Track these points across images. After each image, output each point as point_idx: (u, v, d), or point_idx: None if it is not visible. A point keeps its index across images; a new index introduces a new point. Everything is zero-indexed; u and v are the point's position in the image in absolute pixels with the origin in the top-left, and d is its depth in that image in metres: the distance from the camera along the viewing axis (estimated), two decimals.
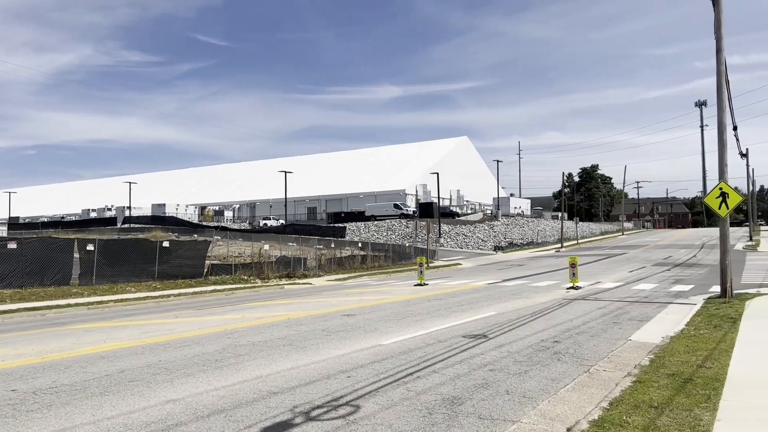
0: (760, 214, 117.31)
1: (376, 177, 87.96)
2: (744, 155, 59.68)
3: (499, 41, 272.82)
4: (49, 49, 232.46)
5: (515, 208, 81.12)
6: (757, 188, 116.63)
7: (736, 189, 16.26)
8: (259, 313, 15.43)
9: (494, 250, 59.05)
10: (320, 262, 34.64)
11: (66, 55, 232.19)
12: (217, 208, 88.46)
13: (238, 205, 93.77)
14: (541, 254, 52.59)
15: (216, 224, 71.37)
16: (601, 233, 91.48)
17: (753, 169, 76.53)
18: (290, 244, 39.82)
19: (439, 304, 16.99)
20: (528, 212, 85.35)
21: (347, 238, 56.73)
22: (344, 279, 30.59)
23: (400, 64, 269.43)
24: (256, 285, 26.36)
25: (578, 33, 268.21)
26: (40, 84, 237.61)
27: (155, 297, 21.24)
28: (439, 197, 65.57)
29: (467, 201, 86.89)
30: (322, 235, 52.37)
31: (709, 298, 16.34)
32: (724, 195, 15.96)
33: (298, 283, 27.90)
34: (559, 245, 63.90)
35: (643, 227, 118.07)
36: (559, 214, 74.41)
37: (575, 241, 71.22)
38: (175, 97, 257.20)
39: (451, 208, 76.92)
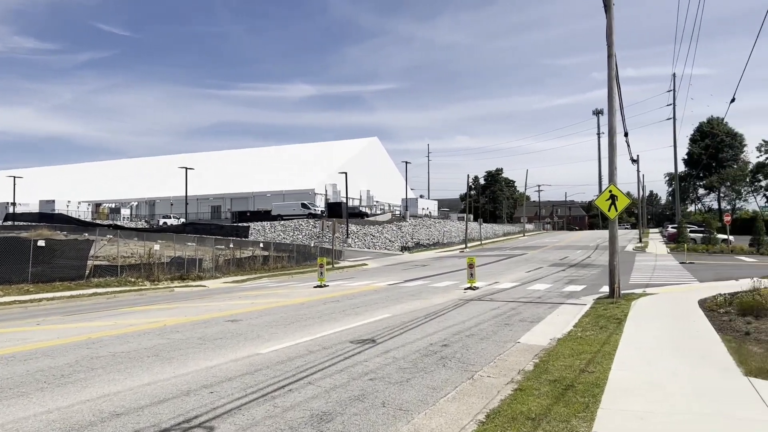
0: (649, 217, 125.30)
1: (285, 176, 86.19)
2: (635, 161, 63.27)
3: (411, 45, 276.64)
4: None
5: (423, 209, 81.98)
6: (647, 193, 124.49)
7: (628, 194, 16.75)
8: (133, 320, 14.12)
9: (401, 250, 59.20)
10: (218, 263, 33.08)
11: None
12: (113, 205, 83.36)
13: (137, 203, 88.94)
14: (446, 255, 53.22)
15: (110, 222, 67.02)
16: (504, 234, 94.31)
17: (643, 175, 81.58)
18: (189, 244, 37.75)
19: (335, 306, 16.35)
20: (435, 213, 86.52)
21: (251, 238, 54.89)
22: (242, 281, 29.29)
23: (313, 64, 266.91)
24: (144, 288, 24.60)
25: (487, 41, 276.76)
26: None
27: (24, 302, 19.21)
28: (347, 197, 64.97)
29: (377, 201, 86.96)
30: (224, 235, 50.21)
31: (598, 298, 16.68)
32: (613, 197, 16.37)
33: (191, 286, 26.36)
34: (464, 246, 65.08)
35: (544, 229, 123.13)
36: (465, 216, 75.90)
37: (479, 242, 72.86)
38: (73, 87, 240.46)
39: (361, 208, 76.58)
